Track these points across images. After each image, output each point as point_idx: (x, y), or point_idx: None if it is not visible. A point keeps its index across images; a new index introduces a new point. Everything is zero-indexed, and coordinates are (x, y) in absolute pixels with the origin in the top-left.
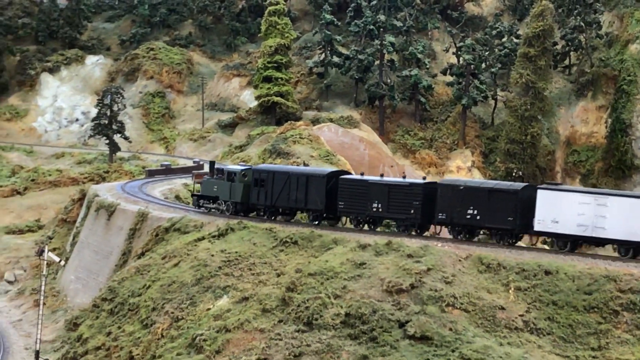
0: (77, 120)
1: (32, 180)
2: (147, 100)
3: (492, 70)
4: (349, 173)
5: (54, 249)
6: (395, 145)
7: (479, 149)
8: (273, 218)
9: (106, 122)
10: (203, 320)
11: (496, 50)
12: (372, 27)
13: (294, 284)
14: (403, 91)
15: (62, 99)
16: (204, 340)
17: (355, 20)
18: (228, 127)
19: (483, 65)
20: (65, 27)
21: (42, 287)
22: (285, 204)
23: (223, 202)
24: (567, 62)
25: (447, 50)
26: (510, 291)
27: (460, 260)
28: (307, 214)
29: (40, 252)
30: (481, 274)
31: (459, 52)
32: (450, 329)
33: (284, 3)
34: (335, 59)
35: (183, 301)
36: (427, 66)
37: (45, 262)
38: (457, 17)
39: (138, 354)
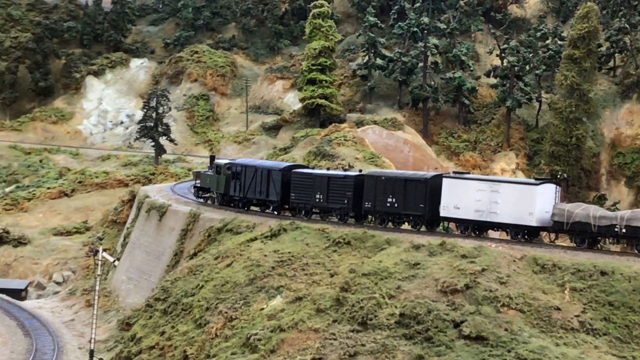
0: (121, 123)
1: (79, 182)
2: (191, 103)
3: (537, 72)
4: (306, 167)
5: (104, 250)
6: (439, 148)
7: (523, 151)
8: (246, 209)
9: (152, 124)
10: (257, 320)
11: (540, 52)
12: (415, 29)
13: (348, 284)
14: (447, 93)
15: (107, 102)
16: (259, 339)
17: (399, 23)
18: (272, 130)
19: (527, 67)
20: (110, 31)
21: (97, 287)
22: (253, 196)
23: (214, 193)
24: (611, 64)
25: (490, 53)
26: (565, 292)
27: (514, 261)
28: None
29: (95, 253)
30: (536, 275)
31: (502, 54)
32: (506, 329)
33: (328, 6)
34: (379, 61)
35: (236, 301)
36: (471, 68)
37: (100, 262)
38: (500, 19)
39: (192, 354)
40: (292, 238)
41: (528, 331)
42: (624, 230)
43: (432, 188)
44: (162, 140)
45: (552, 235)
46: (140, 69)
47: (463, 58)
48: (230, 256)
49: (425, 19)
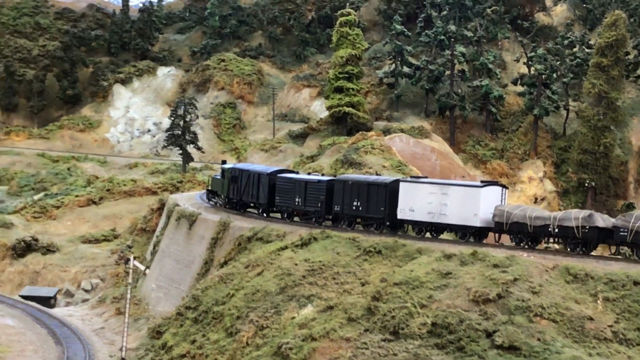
0: (149, 131)
1: (107, 190)
2: (218, 110)
3: (564, 80)
4: (293, 172)
5: (134, 258)
6: (466, 156)
7: (551, 159)
8: (243, 210)
9: (179, 132)
10: (288, 328)
11: (567, 60)
12: (442, 37)
13: (380, 293)
14: (474, 101)
15: (134, 110)
16: (290, 348)
17: (426, 31)
18: (299, 138)
19: (555, 75)
20: (137, 39)
21: (128, 295)
22: (247, 199)
23: (221, 196)
24: (639, 71)
25: (517, 60)
26: (598, 301)
27: (547, 271)
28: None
29: (127, 261)
30: (568, 284)
31: (530, 62)
32: (539, 339)
33: (355, 14)
34: (406, 69)
35: (267, 310)
36: (498, 76)
37: (131, 270)
38: (527, 27)
39: None
40: (322, 247)
41: (561, 341)
42: (556, 230)
43: (391, 192)
44: (190, 148)
45: (497, 236)
46: (167, 77)
47: (490, 66)
48: (260, 265)
49: (452, 27)
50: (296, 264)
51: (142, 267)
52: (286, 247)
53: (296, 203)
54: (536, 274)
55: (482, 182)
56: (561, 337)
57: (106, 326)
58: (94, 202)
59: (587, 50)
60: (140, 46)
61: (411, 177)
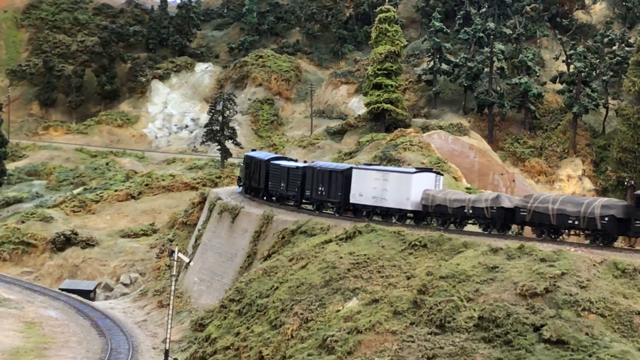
0: (186, 126)
1: (146, 185)
2: (256, 107)
3: (604, 78)
4: (288, 159)
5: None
6: (504, 153)
7: (590, 157)
8: (252, 194)
9: (218, 128)
10: (333, 321)
11: (607, 58)
12: (481, 34)
13: (425, 286)
14: (512, 99)
15: (172, 106)
16: (335, 341)
17: (465, 28)
18: (337, 134)
19: (594, 73)
20: (175, 35)
21: (173, 288)
22: (254, 184)
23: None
24: None
25: (556, 58)
26: None
27: (594, 265)
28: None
29: (171, 253)
30: (616, 279)
31: (569, 60)
32: (587, 334)
33: (394, 10)
34: (444, 66)
35: (312, 302)
36: (537, 74)
37: (175, 262)
38: (566, 25)
39: (268, 354)
40: (367, 240)
41: (609, 336)
42: (470, 211)
43: (346, 178)
44: (228, 143)
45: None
46: (204, 73)
47: (529, 63)
48: (305, 258)
49: (491, 25)
50: (341, 257)
51: (186, 259)
52: (330, 241)
53: (281, 188)
54: (584, 268)
55: (416, 169)
56: (609, 332)
57: (148, 319)
58: (133, 197)
59: (627, 48)
60: (178, 42)
61: (364, 163)
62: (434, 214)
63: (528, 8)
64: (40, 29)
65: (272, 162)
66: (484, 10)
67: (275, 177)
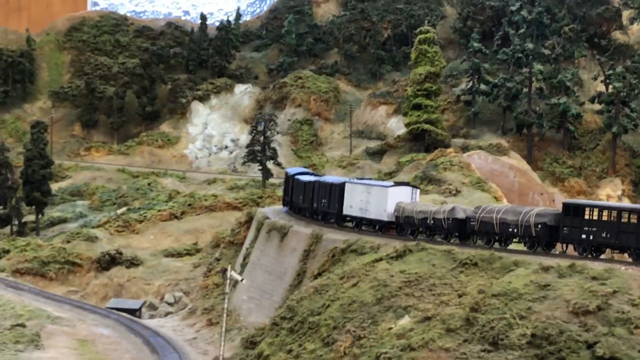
0: (226, 147)
1: (189, 204)
2: (295, 127)
3: None
4: (312, 174)
5: (224, 270)
6: (543, 173)
7: (629, 177)
8: (288, 208)
9: (259, 148)
10: (386, 339)
11: None
12: (520, 55)
13: (478, 304)
14: (551, 119)
15: (212, 127)
16: (389, 358)
17: (504, 49)
18: (376, 154)
19: (633, 93)
20: (215, 57)
21: (226, 305)
22: (286, 198)
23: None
24: None
25: (595, 78)
26: None
27: None
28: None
29: (224, 271)
30: None
31: (608, 80)
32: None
33: (434, 31)
34: (483, 86)
35: (364, 320)
36: (576, 94)
37: (228, 280)
38: (604, 45)
39: None
40: (417, 259)
41: None
42: (432, 222)
43: (341, 191)
44: (269, 164)
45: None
46: (244, 94)
47: (568, 84)
48: (355, 276)
49: (530, 45)
50: (392, 276)
51: (238, 277)
52: (381, 259)
53: (300, 200)
54: (635, 286)
55: (394, 183)
56: None
57: (198, 336)
58: (176, 217)
59: None
60: (217, 64)
61: (357, 178)
62: (404, 225)
63: (566, 29)
64: (82, 51)
65: (294, 176)
66: (522, 31)
67: (296, 190)
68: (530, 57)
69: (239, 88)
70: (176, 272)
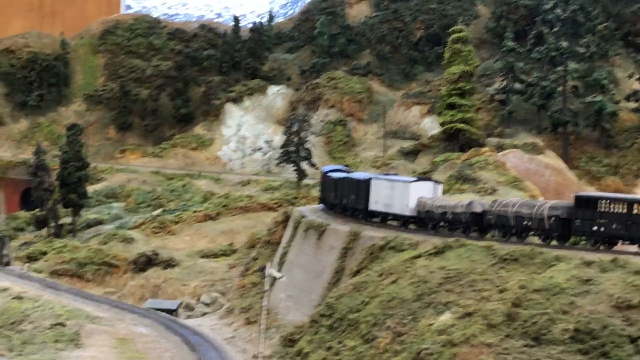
0: (260, 148)
1: (224, 206)
2: (328, 128)
3: None
4: (345, 170)
5: (259, 270)
6: (579, 172)
7: None
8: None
9: (293, 149)
10: (426, 335)
11: None
12: (554, 53)
13: (519, 299)
14: (586, 117)
15: (246, 128)
16: (430, 354)
17: (538, 47)
18: (410, 154)
19: None
20: (248, 58)
21: (265, 302)
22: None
23: None
24: None
25: (630, 77)
26: None
27: None
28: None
29: (263, 269)
30: None
31: None
32: None
33: (467, 30)
34: (517, 85)
35: (404, 316)
36: (611, 92)
37: (267, 278)
38: (639, 43)
39: None
40: (457, 255)
41: None
42: (451, 216)
43: (367, 187)
44: (303, 164)
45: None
46: (277, 95)
47: (604, 82)
48: (395, 273)
49: (564, 44)
50: (432, 272)
51: (277, 275)
52: (420, 256)
53: (331, 197)
54: None
55: (417, 178)
56: None
57: (236, 335)
58: (211, 218)
59: None
60: (251, 65)
61: (386, 173)
62: (426, 219)
63: (600, 27)
64: (116, 54)
65: (326, 174)
66: (556, 29)
67: (327, 187)
68: (565, 55)
69: (272, 89)
70: (212, 273)
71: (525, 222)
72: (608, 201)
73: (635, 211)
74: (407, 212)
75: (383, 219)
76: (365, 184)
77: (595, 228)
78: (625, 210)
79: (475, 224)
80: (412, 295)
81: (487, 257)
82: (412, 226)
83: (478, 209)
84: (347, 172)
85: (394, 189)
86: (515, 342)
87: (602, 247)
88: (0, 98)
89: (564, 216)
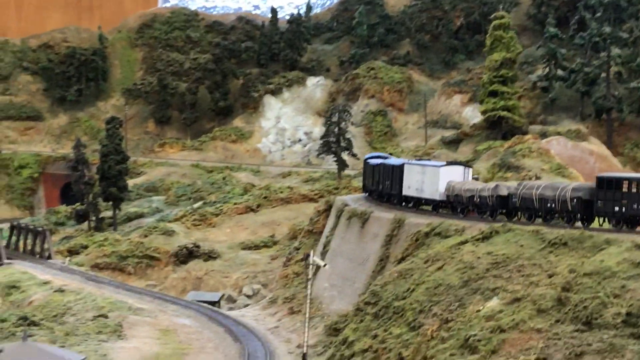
0: (299, 140)
1: (265, 197)
2: (369, 119)
3: None
4: (384, 156)
5: (301, 259)
6: (624, 159)
7: None
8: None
9: (333, 139)
10: (474, 321)
11: None
12: (597, 39)
13: (569, 284)
14: (631, 103)
15: (285, 120)
16: (478, 340)
17: (580, 33)
18: (452, 143)
19: None
20: (286, 50)
21: (309, 290)
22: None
23: None
24: None
25: None
26: None
27: None
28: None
29: (306, 257)
30: None
31: None
32: None
33: (509, 17)
34: (560, 72)
35: (451, 303)
36: None
37: (311, 266)
38: None
39: (408, 355)
40: (504, 240)
41: None
42: (478, 199)
43: (401, 173)
44: (344, 155)
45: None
46: (316, 87)
47: None
48: (441, 259)
49: (607, 29)
50: (478, 257)
51: (321, 263)
52: (466, 241)
53: (370, 183)
54: None
55: (446, 162)
56: None
57: (280, 325)
58: (252, 210)
59: None
60: (289, 57)
61: (418, 157)
62: (455, 203)
63: None
64: (153, 47)
65: (366, 160)
66: (599, 14)
67: (367, 173)
68: (608, 41)
69: (311, 81)
70: (254, 265)
71: (549, 204)
72: (628, 182)
73: None
74: (437, 197)
75: (415, 204)
76: (399, 169)
77: (617, 209)
78: None
79: (502, 207)
80: (459, 281)
81: (535, 241)
82: (443, 211)
83: (504, 191)
84: (383, 157)
85: (425, 174)
86: (566, 327)
87: (624, 228)
88: (39, 93)
89: (586, 197)
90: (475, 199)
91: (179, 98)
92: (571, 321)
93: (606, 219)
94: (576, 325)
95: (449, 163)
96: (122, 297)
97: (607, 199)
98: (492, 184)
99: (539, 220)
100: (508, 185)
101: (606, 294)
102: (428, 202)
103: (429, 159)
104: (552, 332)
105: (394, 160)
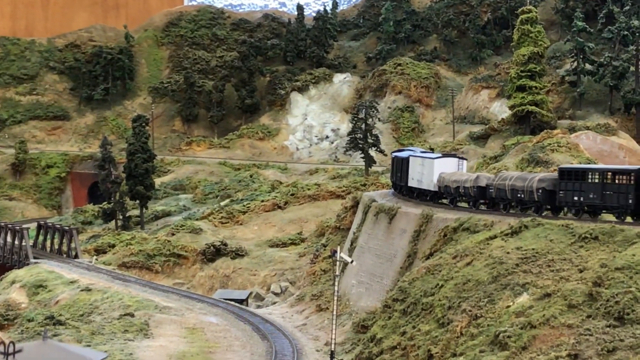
0: (327, 137)
1: (292, 194)
2: (396, 115)
3: None
4: (410, 150)
5: (329, 256)
6: None
7: None
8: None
9: (361, 135)
10: (504, 317)
11: None
12: (626, 32)
13: (601, 278)
14: None
15: (312, 117)
16: (508, 336)
17: (608, 27)
18: (480, 139)
19: None
20: (313, 47)
21: (336, 287)
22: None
23: None
24: None
25: None
26: None
27: None
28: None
29: (333, 253)
30: None
31: None
32: None
33: (537, 11)
34: (588, 66)
35: (480, 299)
36: None
37: (338, 262)
38: None
39: (437, 352)
40: (534, 235)
41: None
42: (462, 190)
43: (407, 164)
44: (371, 151)
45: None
46: (343, 83)
47: None
48: (469, 255)
49: (636, 22)
50: (508, 253)
51: (348, 259)
52: (495, 237)
53: (394, 177)
54: None
55: (442, 154)
56: None
57: (308, 323)
58: (279, 207)
59: None
60: (315, 54)
61: (423, 151)
62: (444, 194)
63: None
64: (180, 46)
65: (393, 154)
66: (627, 8)
67: (394, 168)
68: (637, 34)
69: (338, 77)
70: (281, 262)
71: (519, 195)
72: (584, 172)
73: (607, 181)
74: (432, 188)
75: (417, 194)
76: (406, 162)
77: (575, 198)
78: (599, 181)
79: (482, 198)
80: (488, 277)
81: (564, 236)
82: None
83: (483, 182)
84: (401, 151)
85: (424, 166)
86: (597, 323)
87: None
88: (65, 93)
89: (550, 188)
90: (460, 189)
91: (206, 96)
92: (603, 316)
93: (567, 209)
94: (608, 320)
95: (444, 155)
96: (149, 296)
97: (567, 189)
98: (473, 175)
99: (513, 210)
100: (487, 176)
101: (638, 288)
102: (425, 192)
103: (432, 150)
104: (584, 328)
105: (405, 153)
